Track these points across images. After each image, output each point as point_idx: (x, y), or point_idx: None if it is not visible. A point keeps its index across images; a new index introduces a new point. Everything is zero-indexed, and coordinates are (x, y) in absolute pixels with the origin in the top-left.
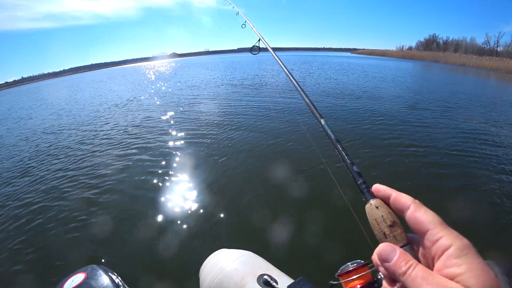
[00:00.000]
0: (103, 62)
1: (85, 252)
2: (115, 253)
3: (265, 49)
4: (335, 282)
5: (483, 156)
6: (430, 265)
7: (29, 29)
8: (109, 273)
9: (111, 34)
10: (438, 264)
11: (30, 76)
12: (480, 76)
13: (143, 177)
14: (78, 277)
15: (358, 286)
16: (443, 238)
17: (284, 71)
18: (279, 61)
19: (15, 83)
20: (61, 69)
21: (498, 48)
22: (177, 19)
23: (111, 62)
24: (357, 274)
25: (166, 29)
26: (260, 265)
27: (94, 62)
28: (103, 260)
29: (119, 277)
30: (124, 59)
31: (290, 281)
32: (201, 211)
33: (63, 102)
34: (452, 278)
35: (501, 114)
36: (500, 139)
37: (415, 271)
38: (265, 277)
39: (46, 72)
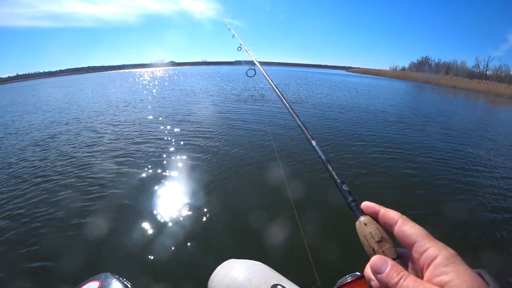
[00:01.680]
0: (100, 65)
1: (92, 260)
2: (120, 262)
3: (259, 70)
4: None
5: (471, 174)
6: (419, 277)
7: (28, 27)
8: (124, 282)
9: (110, 39)
10: (427, 274)
11: (26, 74)
12: (469, 98)
13: (147, 186)
14: (92, 285)
15: None
16: (430, 249)
17: (277, 94)
18: (272, 85)
19: (10, 79)
20: (58, 69)
21: (487, 72)
22: (176, 28)
23: (109, 66)
24: (354, 286)
25: (165, 37)
26: (271, 275)
27: (91, 65)
28: (108, 268)
29: (133, 286)
30: (122, 63)
31: None
32: (206, 220)
33: (61, 102)
34: (441, 286)
35: (489, 133)
36: (487, 161)
37: (406, 282)
38: (279, 287)
39: (42, 71)
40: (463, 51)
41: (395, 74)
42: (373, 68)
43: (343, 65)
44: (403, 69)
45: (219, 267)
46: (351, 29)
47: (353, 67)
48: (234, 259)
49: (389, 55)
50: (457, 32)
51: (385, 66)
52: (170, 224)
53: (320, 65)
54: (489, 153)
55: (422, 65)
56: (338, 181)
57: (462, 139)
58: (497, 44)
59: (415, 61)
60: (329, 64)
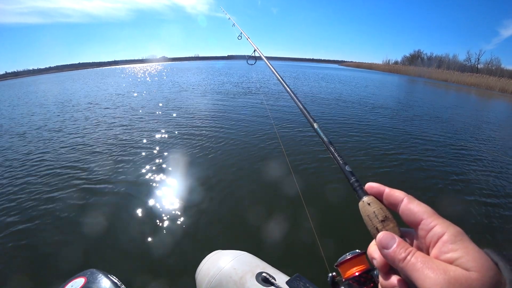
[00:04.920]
0: (91, 61)
1: (79, 255)
2: (108, 256)
3: (259, 57)
4: (333, 274)
5: (468, 159)
6: None
7: (16, 23)
8: (110, 276)
9: (100, 34)
10: (434, 251)
11: (15, 72)
12: (461, 91)
13: (136, 178)
14: (78, 282)
15: (356, 273)
16: (437, 226)
17: (279, 80)
18: (273, 70)
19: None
20: (47, 66)
21: (478, 65)
22: (168, 23)
23: (100, 62)
24: (354, 263)
25: (157, 32)
26: (257, 264)
27: (81, 61)
28: (97, 263)
29: (119, 280)
30: (114, 59)
31: (286, 278)
32: (194, 212)
33: (54, 99)
34: (450, 263)
35: (481, 123)
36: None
37: (414, 257)
38: (264, 274)
39: (31, 68)
40: (455, 45)
41: (388, 68)
42: (366, 61)
43: (336, 59)
44: (396, 62)
45: (205, 258)
46: (345, 23)
47: (347, 61)
48: (220, 250)
49: (382, 49)
50: (450, 25)
51: (378, 59)
52: (157, 218)
53: (313, 59)
54: (478, 140)
55: (414, 58)
56: (341, 162)
57: (455, 128)
58: (488, 38)
59: (407, 54)
60: (323, 58)
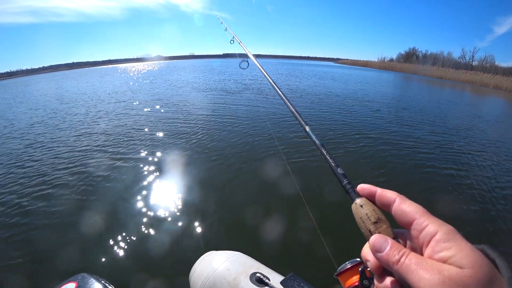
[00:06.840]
0: (85, 61)
1: (71, 259)
2: (100, 258)
3: (251, 60)
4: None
5: (460, 159)
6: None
7: (8, 23)
8: (101, 281)
9: (94, 33)
10: (427, 251)
11: (8, 72)
12: (456, 88)
13: (129, 179)
14: (69, 287)
15: (357, 282)
16: (429, 225)
17: (270, 83)
18: (264, 74)
19: None
20: (41, 66)
21: (473, 62)
22: (163, 22)
23: (95, 61)
24: (355, 271)
25: (152, 31)
26: (251, 264)
27: (76, 61)
28: (90, 267)
29: (111, 285)
30: (108, 59)
31: (280, 278)
32: (186, 213)
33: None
34: (444, 261)
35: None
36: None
37: (408, 259)
38: (258, 275)
39: (25, 68)
40: (449, 42)
41: (383, 65)
42: (362, 59)
43: (332, 56)
44: (391, 60)
45: (199, 260)
46: (340, 21)
47: (342, 59)
48: (213, 251)
49: (377, 46)
50: (444, 23)
51: (373, 57)
52: (150, 219)
53: (309, 57)
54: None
55: (409, 56)
56: (333, 164)
57: (447, 124)
58: (482, 35)
59: (403, 52)
60: (318, 56)
